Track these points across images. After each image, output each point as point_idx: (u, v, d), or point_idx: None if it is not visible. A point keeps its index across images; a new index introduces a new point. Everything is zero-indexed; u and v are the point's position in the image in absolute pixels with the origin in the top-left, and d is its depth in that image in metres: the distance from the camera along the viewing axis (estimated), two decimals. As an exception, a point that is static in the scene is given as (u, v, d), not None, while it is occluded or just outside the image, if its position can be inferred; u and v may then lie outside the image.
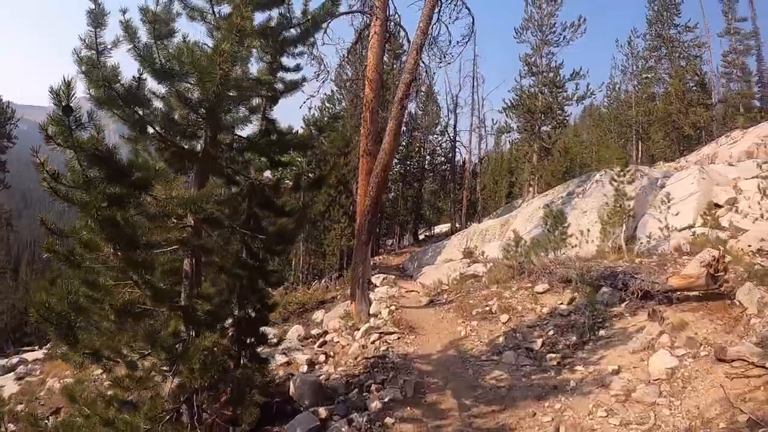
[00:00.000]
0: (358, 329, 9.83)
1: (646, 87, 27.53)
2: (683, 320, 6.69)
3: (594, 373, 6.28)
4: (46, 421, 9.35)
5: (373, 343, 8.86)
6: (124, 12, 5.03)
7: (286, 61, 6.56)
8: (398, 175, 29.54)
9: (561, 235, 11.63)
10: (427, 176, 32.50)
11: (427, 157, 31.83)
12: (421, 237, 31.45)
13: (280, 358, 9.40)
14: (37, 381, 12.70)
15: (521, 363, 7.06)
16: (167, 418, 5.26)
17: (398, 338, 8.90)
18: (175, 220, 5.60)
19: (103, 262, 5.25)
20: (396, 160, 28.12)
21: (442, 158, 31.94)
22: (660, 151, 26.79)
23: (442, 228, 32.66)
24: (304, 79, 6.71)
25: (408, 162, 30.06)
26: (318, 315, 12.93)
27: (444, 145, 31.51)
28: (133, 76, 4.87)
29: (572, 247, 12.12)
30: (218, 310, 5.65)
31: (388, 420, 6.05)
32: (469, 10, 14.48)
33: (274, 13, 5.98)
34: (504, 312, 9.16)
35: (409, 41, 14.34)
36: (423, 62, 13.31)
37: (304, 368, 8.80)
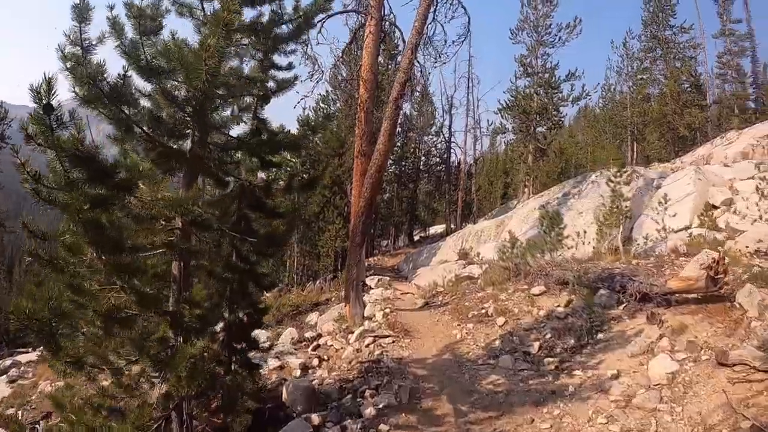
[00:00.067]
0: (353, 332, 9.66)
1: (641, 88, 27.56)
2: (683, 323, 6.58)
3: (593, 377, 6.16)
4: (37, 426, 9.22)
5: (367, 346, 8.70)
6: (111, 8, 4.90)
7: (278, 59, 6.41)
8: (393, 176, 29.43)
9: (557, 237, 11.52)
10: (422, 177, 32.43)
11: (422, 158, 31.75)
12: (416, 238, 31.38)
13: (273, 363, 9.21)
14: (30, 384, 12.45)
15: (518, 367, 6.92)
16: (155, 426, 5.10)
17: (393, 342, 8.75)
18: (163, 223, 5.46)
19: (89, 266, 5.09)
20: (391, 161, 28.01)
21: (437, 159, 31.88)
22: (655, 151, 26.81)
23: (437, 229, 32.59)
24: (296, 78, 6.55)
25: (403, 163, 29.96)
26: (312, 317, 12.75)
27: (439, 145, 31.49)
28: (119, 74, 4.70)
29: (568, 248, 12.00)
30: (208, 315, 5.49)
31: (383, 427, 5.88)
32: (464, 9, 14.41)
33: (266, 9, 5.86)
34: (500, 315, 9.03)
35: (404, 41, 14.23)
36: (418, 62, 13.21)
37: (298, 373, 8.63)
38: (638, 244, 12.35)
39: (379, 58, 19.06)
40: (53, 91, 4.06)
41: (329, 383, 7.72)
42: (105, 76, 4.55)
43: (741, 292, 6.76)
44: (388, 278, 15.62)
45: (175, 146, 5.13)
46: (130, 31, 4.84)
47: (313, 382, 7.96)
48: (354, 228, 11.26)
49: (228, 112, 5.28)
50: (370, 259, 23.25)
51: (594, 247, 12.84)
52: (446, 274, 14.21)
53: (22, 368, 14.35)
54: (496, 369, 7.03)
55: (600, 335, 7.22)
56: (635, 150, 27.50)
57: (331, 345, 9.67)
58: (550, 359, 6.89)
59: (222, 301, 5.79)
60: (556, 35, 24.46)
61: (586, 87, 24.02)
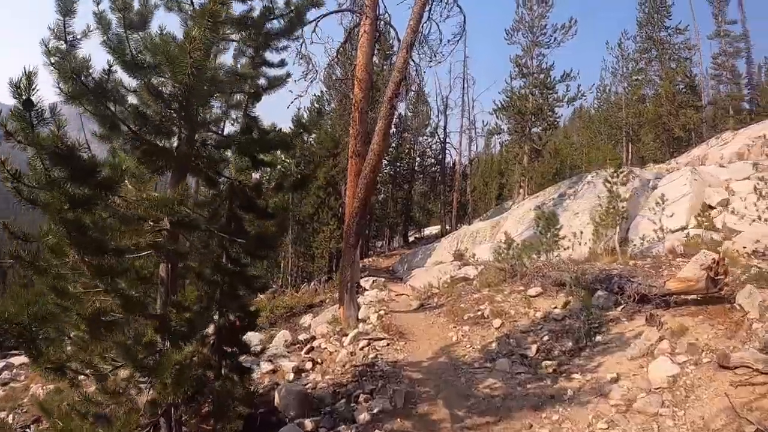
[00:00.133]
0: (347, 335, 9.50)
1: (637, 89, 27.55)
2: (683, 325, 6.46)
3: (592, 381, 6.02)
4: (27, 430, 9.00)
5: (361, 349, 8.54)
6: (98, 2, 4.73)
7: (270, 56, 6.25)
8: (388, 177, 29.29)
9: (553, 237, 11.42)
10: (417, 178, 32.30)
11: (417, 158, 31.63)
12: (411, 239, 31.22)
13: (266, 366, 9.04)
14: (21, 387, 12.21)
15: (516, 371, 6.77)
16: (143, 432, 4.94)
17: (387, 344, 8.59)
18: (152, 224, 5.29)
19: (73, 268, 4.92)
20: (386, 162, 27.87)
21: (432, 160, 31.77)
22: (650, 152, 26.79)
23: (432, 230, 32.49)
24: (288, 75, 6.37)
25: (398, 163, 29.81)
26: (306, 319, 12.59)
27: (434, 146, 31.37)
28: (103, 68, 4.54)
29: (564, 249, 11.91)
30: (196, 319, 5.32)
31: (377, 433, 5.74)
32: (460, 8, 14.29)
33: (257, 3, 5.70)
34: (496, 316, 8.90)
35: (399, 41, 14.09)
36: (413, 61, 13.06)
37: (291, 376, 8.46)
38: (635, 245, 12.27)
39: (374, 59, 18.93)
40: (33, 86, 3.91)
41: (323, 387, 7.56)
42: (90, 71, 4.40)
43: (741, 293, 6.65)
44: (382, 279, 15.45)
45: (161, 144, 4.98)
46: (116, 26, 4.70)
47: (307, 386, 7.79)
48: (348, 229, 11.11)
49: (217, 109, 5.10)
50: (364, 260, 23.10)
51: (590, 248, 12.76)
52: (441, 276, 14.09)
53: (15, 371, 14.13)
54: (492, 372, 6.88)
55: (598, 337, 7.09)
56: (630, 151, 27.49)
57: (325, 348, 9.51)
58: (548, 362, 6.76)
59: (211, 304, 5.60)
60: (551, 36, 24.40)
61: (582, 88, 24.01)
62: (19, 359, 15.84)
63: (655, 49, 28.35)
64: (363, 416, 6.10)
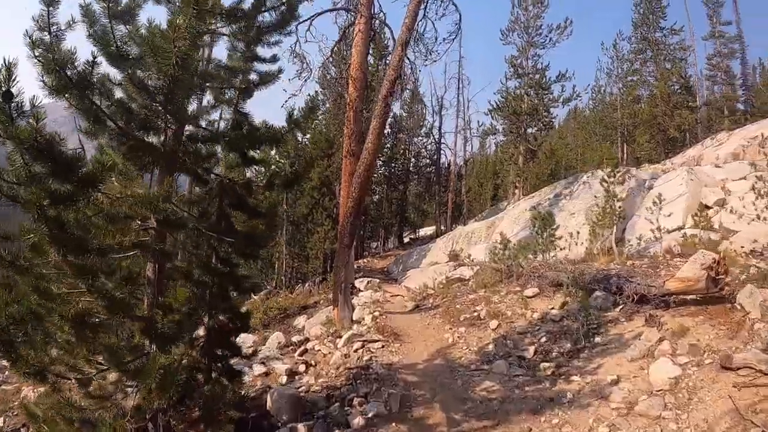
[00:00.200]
0: (341, 337, 9.33)
1: (632, 89, 27.56)
2: (683, 326, 6.34)
3: (592, 383, 5.88)
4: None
5: (356, 351, 8.37)
6: (84, -6, 4.56)
7: (262, 51, 6.09)
8: (383, 178, 29.16)
9: (549, 238, 11.30)
10: (411, 178, 32.19)
11: (412, 159, 31.52)
12: (406, 240, 31.12)
13: (258, 369, 8.85)
14: (13, 389, 11.95)
15: (513, 373, 6.63)
16: (130, 438, 4.75)
17: (382, 346, 8.42)
18: (139, 222, 5.11)
19: (56, 267, 4.74)
20: (380, 162, 27.75)
21: (427, 160, 31.68)
22: (645, 153, 26.79)
23: (427, 231, 32.39)
24: (280, 71, 6.20)
25: (393, 164, 29.68)
26: (300, 321, 12.41)
27: (429, 147, 31.30)
28: (87, 60, 4.35)
29: (561, 249, 11.81)
30: (184, 321, 5.14)
31: (372, 438, 5.58)
32: (456, 6, 14.18)
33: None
34: (493, 317, 8.75)
35: (394, 40, 13.94)
36: (408, 59, 12.92)
37: (284, 379, 8.28)
38: (631, 245, 12.18)
39: (369, 58, 18.80)
40: (13, 77, 3.75)
41: (316, 390, 7.38)
42: (75, 64, 4.23)
43: (742, 293, 6.54)
44: (377, 280, 15.30)
45: (148, 140, 4.81)
46: (101, 16, 4.53)
47: (300, 389, 7.62)
48: (342, 229, 10.94)
49: (205, 103, 4.93)
50: (359, 261, 22.95)
51: (587, 248, 12.66)
52: (437, 276, 13.94)
53: (6, 373, 13.86)
54: (490, 375, 6.73)
55: (597, 338, 6.96)
56: (625, 151, 27.49)
57: (319, 350, 9.33)
58: (547, 364, 6.61)
59: (200, 306, 5.42)
60: (546, 36, 24.37)
61: (577, 88, 23.92)
62: (12, 361, 15.55)
63: (650, 50, 28.38)
64: (357, 420, 5.93)
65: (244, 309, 6.60)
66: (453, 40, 14.46)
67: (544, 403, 5.67)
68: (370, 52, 17.13)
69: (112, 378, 5.37)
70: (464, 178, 31.69)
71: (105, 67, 4.65)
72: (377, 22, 14.75)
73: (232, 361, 6.51)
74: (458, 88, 29.58)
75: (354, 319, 10.43)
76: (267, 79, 5.99)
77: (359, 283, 14.46)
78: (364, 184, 10.80)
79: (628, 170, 15.74)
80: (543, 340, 7.43)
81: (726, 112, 26.24)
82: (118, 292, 4.68)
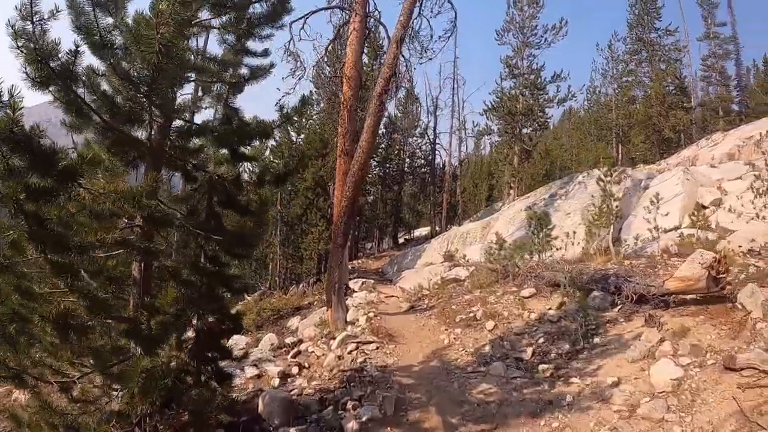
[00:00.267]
0: (335, 338, 9.15)
1: (627, 90, 27.55)
2: (684, 326, 6.21)
3: (592, 385, 5.73)
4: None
5: (350, 353, 8.19)
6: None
7: (253, 44, 5.93)
8: (377, 178, 29.00)
9: (546, 238, 11.18)
10: (406, 179, 32.05)
11: (407, 159, 31.38)
12: (400, 241, 30.96)
13: (250, 371, 8.66)
14: (5, 392, 11.68)
15: (511, 375, 6.46)
16: (116, 444, 4.56)
17: (377, 348, 8.24)
18: (126, 220, 4.93)
19: (39, 266, 4.56)
20: (375, 163, 27.59)
21: (422, 161, 31.54)
22: (640, 154, 26.77)
23: (422, 231, 32.24)
24: (272, 65, 6.03)
25: (387, 164, 29.52)
26: (293, 322, 12.22)
27: (424, 147, 31.14)
28: (69, 50, 4.17)
29: (557, 249, 11.69)
30: (171, 322, 4.96)
31: (366, 442, 5.40)
32: (451, 4, 14.05)
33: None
34: (489, 318, 8.60)
35: (389, 38, 13.80)
36: (403, 56, 12.76)
37: (276, 382, 8.09)
38: (628, 245, 12.08)
39: (364, 58, 18.63)
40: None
41: (309, 393, 7.20)
42: (59, 55, 4.05)
43: (743, 292, 6.42)
44: (372, 281, 15.12)
45: (133, 134, 4.63)
46: (86, 5, 4.34)
47: (292, 392, 7.43)
48: (336, 228, 10.78)
49: (191, 95, 4.75)
50: (354, 261, 22.78)
51: (583, 248, 12.55)
52: (432, 277, 13.77)
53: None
54: (487, 377, 6.57)
55: (596, 339, 6.82)
56: (620, 152, 27.47)
57: (312, 351, 9.15)
58: (545, 366, 6.46)
59: (188, 307, 5.22)
60: (542, 37, 24.29)
61: (572, 89, 23.82)
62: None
63: (645, 51, 28.43)
64: (351, 425, 5.74)
65: (235, 310, 6.44)
66: (448, 38, 14.37)
67: (543, 406, 5.52)
68: (365, 51, 17.02)
69: (99, 381, 5.20)
70: (459, 178, 31.60)
71: (90, 59, 4.49)
72: (372, 20, 14.59)
73: (222, 364, 6.33)
74: (453, 88, 29.54)
75: (348, 320, 10.26)
76: (258, 73, 5.82)
77: (353, 284, 14.28)
78: (358, 183, 10.65)
79: (624, 170, 15.66)
80: (541, 341, 7.29)
81: (721, 112, 26.28)
82: (101, 292, 4.51)
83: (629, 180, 15.27)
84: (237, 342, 11.00)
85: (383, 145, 28.15)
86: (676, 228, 12.17)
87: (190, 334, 5.97)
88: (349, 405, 6.23)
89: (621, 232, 13.25)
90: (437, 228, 27.46)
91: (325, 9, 14.72)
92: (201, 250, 5.18)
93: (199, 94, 5.23)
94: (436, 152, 30.42)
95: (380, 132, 26.34)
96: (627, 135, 27.58)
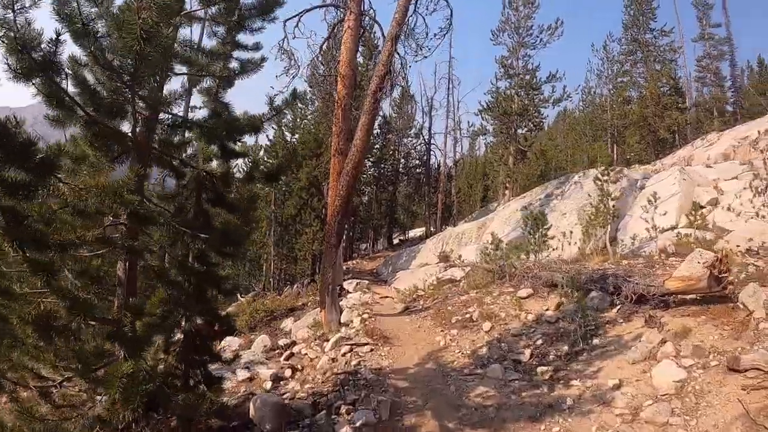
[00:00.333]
0: (328, 340, 8.96)
1: (622, 90, 27.54)
2: (685, 326, 6.07)
3: (592, 388, 5.57)
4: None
5: (343, 355, 8.00)
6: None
7: (244, 38, 5.75)
8: (372, 178, 28.86)
9: (542, 238, 11.05)
10: (401, 179, 31.92)
11: (402, 160, 31.27)
12: (395, 241, 30.83)
13: (242, 374, 8.46)
14: None
15: (509, 377, 6.30)
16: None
17: (371, 350, 8.06)
18: (111, 218, 4.73)
19: (21, 265, 4.34)
20: (370, 163, 27.45)
21: (417, 161, 31.45)
22: (635, 154, 26.76)
23: (417, 232, 32.14)
24: (263, 59, 5.86)
25: (382, 165, 29.38)
26: (287, 323, 12.03)
27: (419, 147, 31.06)
28: (50, 38, 3.97)
29: (553, 249, 11.57)
30: (157, 324, 4.76)
31: (360, 448, 5.22)
32: (447, 1, 13.91)
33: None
34: (486, 319, 8.43)
35: (384, 37, 13.63)
36: (398, 54, 12.60)
37: (268, 385, 7.89)
38: (625, 245, 11.98)
39: (359, 57, 18.47)
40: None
41: (302, 397, 7.00)
42: (42, 46, 3.86)
43: (744, 292, 6.29)
44: (366, 282, 14.96)
45: (116, 127, 4.43)
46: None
47: (285, 396, 7.24)
48: (330, 228, 10.60)
49: (179, 88, 4.56)
50: (348, 262, 22.65)
51: (579, 248, 12.44)
52: (427, 278, 13.63)
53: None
54: (484, 379, 6.40)
55: (595, 340, 6.66)
56: (615, 152, 27.45)
57: (306, 354, 8.97)
58: (544, 368, 6.29)
59: (175, 309, 5.03)
60: (537, 37, 24.27)
61: (567, 89, 23.82)
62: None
63: (640, 51, 28.44)
64: (345, 430, 5.55)
65: (227, 311, 6.25)
66: (444, 35, 14.17)
67: (543, 410, 5.35)
68: (360, 50, 16.83)
69: (82, 386, 5.00)
70: (454, 179, 31.50)
71: (73, 49, 4.31)
72: (367, 18, 14.46)
73: (213, 367, 6.14)
74: (448, 88, 29.44)
75: (342, 321, 10.08)
76: (249, 67, 5.65)
77: (348, 285, 14.12)
78: (352, 182, 10.48)
79: (621, 170, 15.59)
80: (539, 342, 7.13)
81: (715, 113, 26.33)
82: (83, 292, 4.32)
83: (625, 180, 15.20)
84: (230, 344, 10.80)
85: (378, 146, 28.02)
86: (673, 228, 12.09)
87: (180, 336, 5.78)
88: (343, 409, 6.04)
89: (617, 232, 13.16)
90: (432, 228, 27.35)
91: (320, 7, 14.56)
92: (188, 249, 4.98)
93: (183, 84, 5.04)
94: (431, 152, 30.39)
95: (375, 132, 26.21)
96: (622, 135, 27.56)
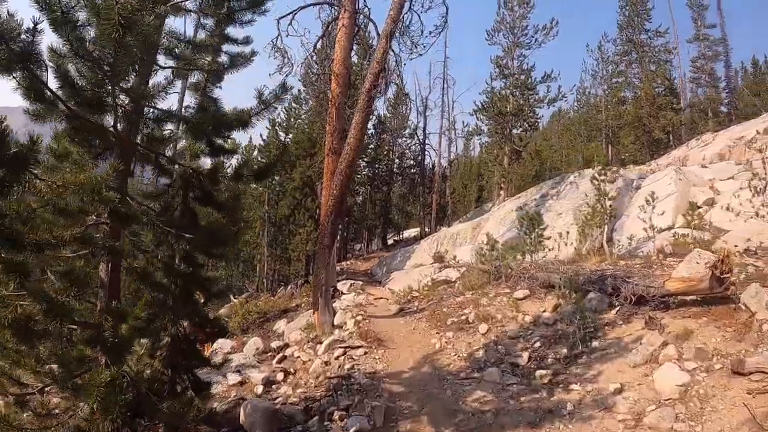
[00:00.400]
0: (321, 342, 8.78)
1: (616, 91, 27.50)
2: (687, 328, 5.94)
3: (593, 392, 5.42)
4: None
5: (337, 359, 7.82)
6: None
7: (234, 31, 5.57)
8: (366, 179, 28.65)
9: (538, 238, 10.91)
10: (395, 180, 31.70)
11: (396, 160, 31.04)
12: (390, 242, 30.62)
13: (233, 378, 8.27)
14: None
15: (507, 381, 6.13)
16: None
17: (365, 353, 7.87)
18: (94, 217, 4.53)
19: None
20: (364, 163, 27.25)
21: (412, 161, 31.23)
22: (630, 154, 26.73)
23: (411, 232, 31.94)
24: (254, 53, 5.68)
25: (376, 165, 29.16)
26: (280, 325, 11.84)
27: (413, 148, 30.85)
28: (28, 27, 3.76)
29: (549, 249, 11.44)
30: (143, 328, 4.56)
31: (354, 456, 5.03)
32: (443, -1, 13.74)
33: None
34: (482, 321, 8.27)
35: (378, 36, 13.49)
36: (393, 51, 12.44)
37: (260, 389, 7.71)
38: (621, 245, 11.87)
39: (353, 57, 18.29)
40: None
41: (294, 402, 6.81)
42: (21, 36, 3.66)
43: (746, 293, 6.15)
44: (360, 282, 14.76)
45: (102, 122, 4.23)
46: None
47: (277, 401, 7.06)
48: (323, 229, 10.41)
49: (163, 80, 4.36)
50: (342, 263, 22.45)
51: (576, 248, 12.32)
52: (422, 278, 13.45)
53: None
54: (481, 383, 6.22)
55: (595, 343, 6.51)
56: (610, 153, 27.41)
57: (298, 357, 8.78)
58: (542, 372, 6.12)
59: (161, 312, 4.82)
60: (532, 37, 24.11)
61: (562, 89, 23.66)
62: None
63: (635, 52, 28.43)
64: (337, 436, 5.39)
65: (217, 313, 6.05)
66: (439, 33, 14.07)
67: (542, 416, 5.19)
68: (354, 49, 16.67)
69: (62, 394, 4.79)
70: (449, 179, 31.35)
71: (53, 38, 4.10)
72: (361, 17, 14.29)
73: (202, 371, 5.93)
74: (443, 88, 29.29)
75: (335, 323, 9.90)
76: (238, 61, 5.48)
77: (342, 286, 13.92)
78: (346, 182, 10.30)
79: (617, 170, 15.50)
80: (537, 345, 6.97)
81: (710, 114, 26.35)
82: (63, 294, 4.12)
83: (621, 180, 15.10)
84: (222, 346, 10.60)
85: (372, 146, 27.82)
86: (670, 228, 11.98)
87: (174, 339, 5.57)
88: (336, 415, 5.85)
89: (613, 233, 13.04)
90: (427, 229, 27.18)
91: (314, 5, 14.37)
92: (172, 250, 4.78)
93: (167, 77, 4.83)
94: (426, 153, 30.18)
95: (369, 132, 26.04)
96: (617, 136, 27.51)
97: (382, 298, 12.64)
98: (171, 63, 4.87)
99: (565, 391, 5.60)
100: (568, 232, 12.51)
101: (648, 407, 4.86)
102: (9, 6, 3.71)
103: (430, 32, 13.94)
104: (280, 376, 8.15)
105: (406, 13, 12.79)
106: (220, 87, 5.58)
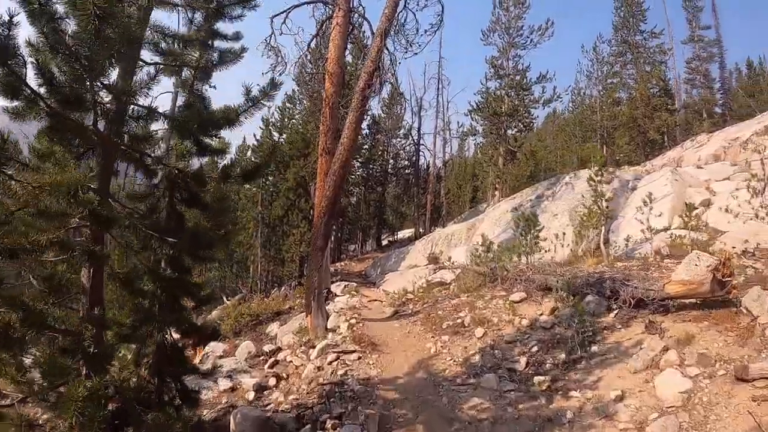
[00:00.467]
0: (314, 347, 8.59)
1: (611, 92, 27.49)
2: (688, 332, 5.80)
3: (593, 399, 5.26)
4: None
5: (330, 364, 7.63)
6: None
7: (223, 26, 5.38)
8: (360, 179, 28.52)
9: (534, 239, 10.78)
10: (390, 180, 31.61)
11: (391, 160, 30.98)
12: (384, 242, 30.51)
13: (224, 383, 8.06)
14: None
15: (504, 388, 5.96)
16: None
17: (359, 358, 7.69)
18: (77, 220, 4.33)
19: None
20: (358, 164, 27.11)
21: (406, 162, 31.15)
22: (625, 155, 26.70)
23: (406, 233, 31.84)
24: (244, 50, 5.49)
25: (371, 165, 29.04)
26: (272, 328, 11.64)
27: (408, 148, 30.78)
28: (3, 21, 3.57)
29: (545, 251, 11.31)
30: (127, 335, 4.38)
31: (347, 466, 4.86)
32: (438, -3, 13.55)
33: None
34: (478, 325, 8.12)
35: (373, 35, 13.31)
36: (388, 50, 12.26)
37: (251, 395, 7.51)
38: (618, 246, 11.76)
39: (348, 56, 18.12)
40: None
41: (286, 409, 6.63)
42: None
43: (748, 296, 6.02)
44: (354, 284, 14.59)
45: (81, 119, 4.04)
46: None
47: (268, 407, 6.87)
48: (316, 230, 10.22)
49: (144, 75, 4.17)
50: (336, 264, 22.29)
51: (572, 250, 12.20)
52: (416, 280, 13.31)
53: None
54: (478, 390, 6.06)
55: (594, 348, 6.36)
56: (605, 153, 27.41)
57: (291, 361, 8.59)
58: (541, 378, 5.96)
59: (146, 319, 4.62)
60: (527, 37, 24.06)
61: (557, 90, 23.67)
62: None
63: (630, 53, 28.45)
64: (330, 446, 5.21)
65: (208, 315, 5.86)
66: (435, 32, 13.88)
67: (541, 424, 5.04)
68: (349, 48, 16.48)
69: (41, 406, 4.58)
70: (443, 179, 31.27)
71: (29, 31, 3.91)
72: (356, 15, 14.15)
73: (191, 377, 5.74)
74: (438, 88, 29.22)
75: (329, 327, 9.71)
76: (228, 58, 5.27)
77: (336, 288, 13.74)
78: (339, 182, 10.12)
79: (613, 170, 15.41)
80: (534, 349, 6.81)
81: (704, 114, 26.39)
82: (41, 301, 3.93)
83: (617, 181, 15.01)
84: (214, 349, 10.40)
85: (367, 146, 27.69)
86: (666, 229, 11.88)
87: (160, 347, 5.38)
88: (329, 424, 5.67)
89: (609, 234, 12.94)
90: (421, 230, 27.09)
91: (308, 3, 14.17)
92: (156, 254, 4.58)
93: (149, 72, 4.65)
94: (420, 153, 30.12)
95: (364, 132, 25.89)
96: (612, 136, 27.50)
97: (376, 300, 12.47)
98: (157, 59, 4.67)
99: (565, 398, 5.45)
100: (564, 233, 12.40)
101: (650, 415, 4.71)
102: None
103: (426, 31, 13.77)
104: (272, 381, 7.96)
105: (401, 11, 12.63)
106: (214, 87, 5.40)
